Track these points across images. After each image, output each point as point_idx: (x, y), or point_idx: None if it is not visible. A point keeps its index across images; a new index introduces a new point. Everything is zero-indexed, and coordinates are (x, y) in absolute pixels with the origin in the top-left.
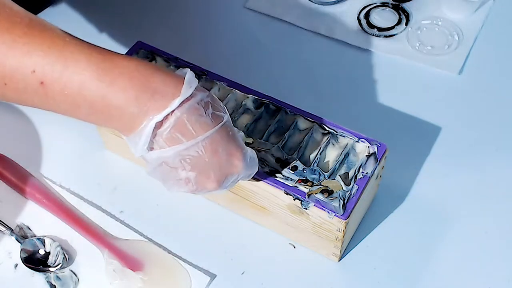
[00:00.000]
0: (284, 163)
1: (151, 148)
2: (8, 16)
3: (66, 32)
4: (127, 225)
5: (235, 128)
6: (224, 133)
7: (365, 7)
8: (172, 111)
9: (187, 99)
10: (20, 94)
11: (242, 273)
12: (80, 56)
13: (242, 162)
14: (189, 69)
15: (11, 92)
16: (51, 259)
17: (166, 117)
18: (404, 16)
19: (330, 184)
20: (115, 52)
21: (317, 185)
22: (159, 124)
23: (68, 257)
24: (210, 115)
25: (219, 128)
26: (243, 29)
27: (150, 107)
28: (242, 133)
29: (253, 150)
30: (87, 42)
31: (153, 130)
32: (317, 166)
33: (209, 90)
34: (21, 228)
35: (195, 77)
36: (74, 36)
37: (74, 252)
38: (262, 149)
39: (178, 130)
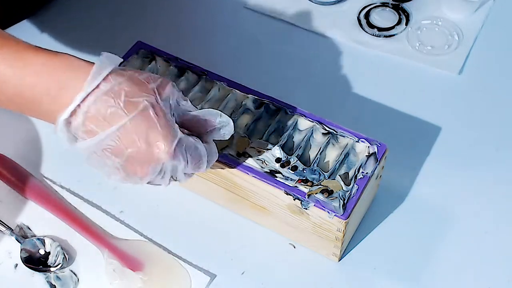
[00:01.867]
0: (284, 163)
1: (76, 140)
2: None
3: None
4: (127, 225)
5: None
6: (140, 121)
7: (365, 7)
8: (79, 105)
9: (94, 90)
10: None
11: (242, 273)
12: None
13: (164, 152)
14: (105, 53)
15: None
16: (51, 259)
17: (74, 111)
18: (404, 16)
19: (330, 184)
20: (31, 45)
21: (317, 185)
22: (73, 119)
23: (68, 257)
24: (121, 104)
25: (133, 117)
26: (243, 29)
27: (60, 103)
28: (227, 121)
29: (197, 139)
30: (5, 34)
31: (66, 126)
32: (317, 166)
33: (209, 90)
34: (21, 228)
35: (114, 59)
36: None
37: (74, 252)
38: (262, 149)
39: (91, 122)
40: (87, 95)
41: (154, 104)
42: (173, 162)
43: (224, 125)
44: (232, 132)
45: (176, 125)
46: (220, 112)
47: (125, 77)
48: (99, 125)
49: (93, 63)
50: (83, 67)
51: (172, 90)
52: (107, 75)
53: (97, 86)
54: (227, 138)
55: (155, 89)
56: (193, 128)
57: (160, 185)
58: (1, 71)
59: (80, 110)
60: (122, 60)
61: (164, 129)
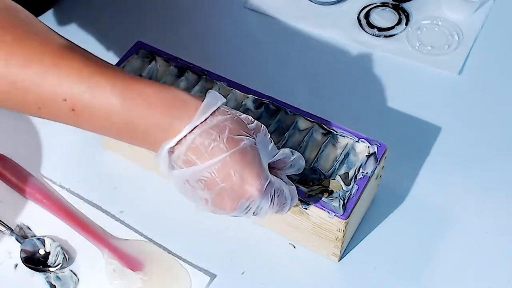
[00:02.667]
0: None
1: (174, 168)
2: (39, 45)
3: (91, 55)
4: (127, 225)
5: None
6: (239, 158)
7: (365, 7)
8: (185, 136)
9: (201, 124)
10: (53, 117)
11: (242, 273)
12: (106, 85)
13: (256, 190)
14: (213, 92)
15: (46, 115)
16: (51, 259)
17: (180, 141)
18: (404, 16)
19: (330, 184)
20: (137, 77)
21: (317, 185)
22: (177, 147)
23: (68, 257)
24: (225, 140)
25: (232, 153)
26: (243, 29)
27: (168, 133)
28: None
29: (292, 184)
30: (111, 66)
31: (169, 153)
32: (317, 166)
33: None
34: (21, 228)
35: (220, 96)
36: (99, 60)
37: (74, 252)
38: None
39: (192, 153)
40: (194, 127)
41: (252, 144)
42: (261, 201)
43: (296, 162)
44: (303, 165)
45: (267, 167)
46: (291, 150)
47: (230, 115)
48: (199, 156)
49: (201, 98)
50: (192, 101)
51: (266, 133)
52: (214, 111)
53: (205, 120)
54: (300, 172)
55: (253, 131)
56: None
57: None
58: (113, 102)
59: (185, 140)
60: (225, 99)
61: (259, 168)
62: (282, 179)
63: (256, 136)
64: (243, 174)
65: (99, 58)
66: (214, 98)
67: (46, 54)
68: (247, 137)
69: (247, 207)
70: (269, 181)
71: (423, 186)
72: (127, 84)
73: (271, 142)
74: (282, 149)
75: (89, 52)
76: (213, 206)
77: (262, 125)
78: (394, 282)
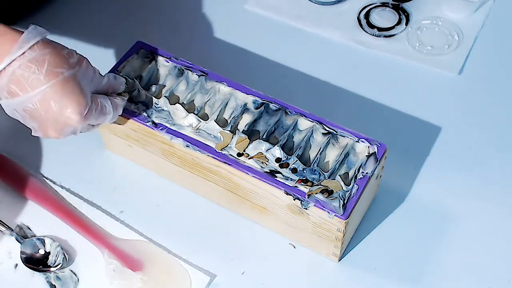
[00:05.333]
0: (283, 164)
1: (1, 98)
2: None
3: None
4: (127, 225)
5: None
6: (58, 88)
7: (365, 7)
8: (5, 68)
9: (19, 57)
10: None
11: (242, 273)
12: None
13: (76, 115)
14: (35, 26)
15: None
16: (51, 259)
17: (0, 73)
18: (404, 16)
19: (330, 184)
20: None
21: (317, 185)
22: None
23: (68, 257)
24: (44, 72)
25: (52, 84)
26: (243, 29)
27: None
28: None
29: (107, 98)
30: None
31: None
32: (317, 166)
33: (209, 90)
34: (21, 228)
35: (41, 29)
36: None
37: (74, 252)
38: (262, 150)
39: (14, 84)
40: (13, 60)
41: (71, 75)
42: (83, 124)
43: (119, 83)
44: (123, 83)
45: (89, 94)
46: (114, 75)
47: (50, 49)
48: (21, 88)
49: (22, 31)
50: (12, 35)
51: (88, 65)
52: (33, 45)
53: (23, 53)
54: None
55: (74, 64)
56: (106, 93)
57: None
58: None
59: (5, 72)
60: (48, 32)
61: (79, 97)
62: (110, 97)
63: (78, 69)
64: (62, 103)
65: None
66: (34, 32)
67: None
68: (67, 69)
69: (72, 131)
70: (89, 108)
71: (423, 186)
72: None
73: (95, 72)
74: (106, 75)
75: None
76: (41, 133)
77: (85, 59)
78: (394, 282)
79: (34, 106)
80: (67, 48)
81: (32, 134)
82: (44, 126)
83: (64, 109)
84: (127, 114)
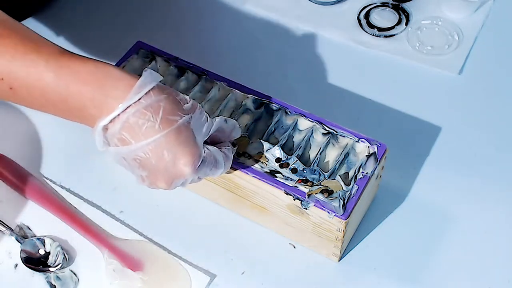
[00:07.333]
0: (283, 164)
1: (110, 144)
2: None
3: (29, 31)
4: (127, 225)
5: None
6: (172, 138)
7: (365, 7)
8: (119, 115)
9: (135, 103)
10: None
11: (242, 273)
12: (40, 62)
13: (189, 167)
14: (149, 70)
15: None
16: (51, 259)
17: (114, 119)
18: (404, 16)
19: (330, 184)
20: (74, 54)
21: (317, 185)
22: (111, 125)
23: (68, 257)
24: (159, 120)
25: (166, 133)
26: (243, 29)
27: (102, 110)
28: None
29: (219, 151)
30: (48, 42)
31: (104, 131)
32: (317, 166)
33: (209, 90)
34: (21, 228)
35: (156, 75)
36: (37, 37)
37: (74, 252)
38: (262, 149)
39: (127, 131)
40: (128, 106)
41: (186, 124)
42: (194, 177)
43: (232, 128)
44: (240, 132)
45: (202, 144)
46: (225, 118)
47: (165, 95)
48: (133, 136)
49: (137, 76)
50: (127, 80)
51: (202, 112)
52: (149, 91)
53: (139, 100)
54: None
55: (188, 111)
56: (214, 140)
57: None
58: (47, 80)
59: (119, 119)
60: (162, 77)
61: (192, 148)
62: (220, 148)
63: (191, 116)
64: (176, 154)
65: (37, 34)
66: (149, 77)
67: None
68: (182, 117)
69: (182, 184)
70: (202, 160)
71: (423, 186)
72: (61, 61)
73: (207, 120)
74: (216, 118)
75: (28, 28)
76: (149, 183)
77: (198, 105)
78: (394, 282)
79: (145, 155)
80: (181, 93)
81: (139, 183)
82: (153, 176)
83: (177, 160)
84: None
